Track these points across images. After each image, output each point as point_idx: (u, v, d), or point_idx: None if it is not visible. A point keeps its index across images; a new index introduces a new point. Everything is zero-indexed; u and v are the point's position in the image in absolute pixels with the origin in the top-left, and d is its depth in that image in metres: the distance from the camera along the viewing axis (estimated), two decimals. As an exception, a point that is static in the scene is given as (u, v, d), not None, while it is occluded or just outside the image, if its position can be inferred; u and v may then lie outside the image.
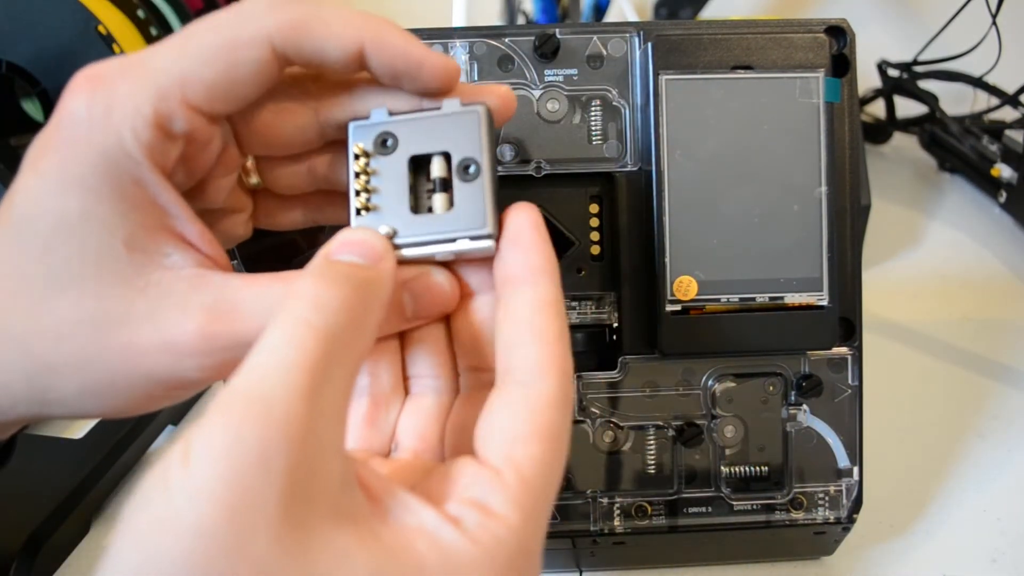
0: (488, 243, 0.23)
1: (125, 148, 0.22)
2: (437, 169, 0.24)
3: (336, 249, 0.22)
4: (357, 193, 0.24)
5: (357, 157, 0.24)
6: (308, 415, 0.18)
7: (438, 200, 0.24)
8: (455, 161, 0.24)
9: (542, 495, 0.21)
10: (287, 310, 0.20)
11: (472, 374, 0.26)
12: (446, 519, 0.20)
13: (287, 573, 0.17)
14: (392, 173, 0.24)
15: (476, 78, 0.32)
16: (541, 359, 0.22)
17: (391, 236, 0.24)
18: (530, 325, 0.22)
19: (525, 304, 0.22)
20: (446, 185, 0.24)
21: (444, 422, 0.26)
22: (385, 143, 0.24)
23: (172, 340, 0.22)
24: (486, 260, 0.24)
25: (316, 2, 0.23)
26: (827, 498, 0.34)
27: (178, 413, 0.46)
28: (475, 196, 0.23)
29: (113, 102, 0.22)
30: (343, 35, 0.23)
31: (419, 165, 0.24)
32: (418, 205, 0.24)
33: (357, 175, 0.24)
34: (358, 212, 0.24)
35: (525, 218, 0.23)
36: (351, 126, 0.25)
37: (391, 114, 0.24)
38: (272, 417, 0.18)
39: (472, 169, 0.24)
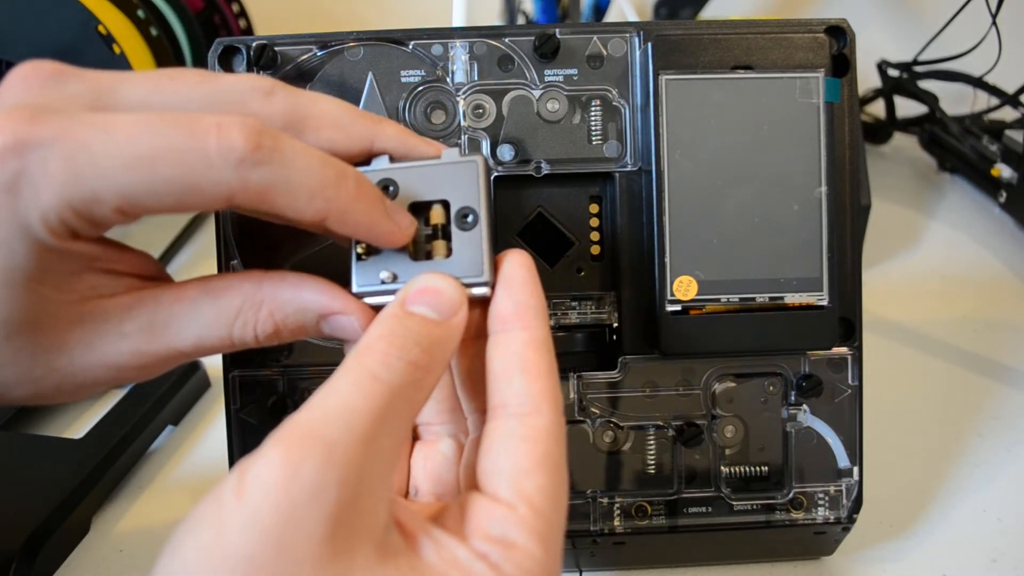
0: (485, 289, 0.24)
1: (43, 227, 0.21)
2: (436, 216, 0.25)
3: (413, 297, 0.23)
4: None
5: None
6: (364, 459, 0.19)
7: (437, 247, 0.25)
8: (453, 209, 0.25)
9: (556, 523, 0.22)
10: (359, 361, 0.21)
11: (479, 415, 0.26)
12: (475, 555, 0.21)
13: None
14: None
15: (476, 78, 0.32)
16: (535, 392, 0.23)
17: (391, 280, 0.25)
18: (523, 360, 0.23)
19: (518, 341, 0.23)
20: (445, 232, 0.25)
21: (459, 465, 0.27)
22: (387, 189, 0.25)
23: (110, 361, 0.24)
24: (483, 304, 0.25)
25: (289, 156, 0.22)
26: (827, 498, 0.34)
27: (178, 414, 0.46)
28: (473, 244, 0.24)
29: (40, 184, 0.20)
30: (306, 210, 0.22)
31: (418, 211, 0.25)
32: (417, 251, 0.25)
33: None
34: (359, 257, 0.25)
35: (518, 263, 0.24)
36: None
37: (392, 161, 0.25)
38: (331, 457, 0.19)
39: (471, 218, 0.25)
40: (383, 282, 0.25)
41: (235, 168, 0.21)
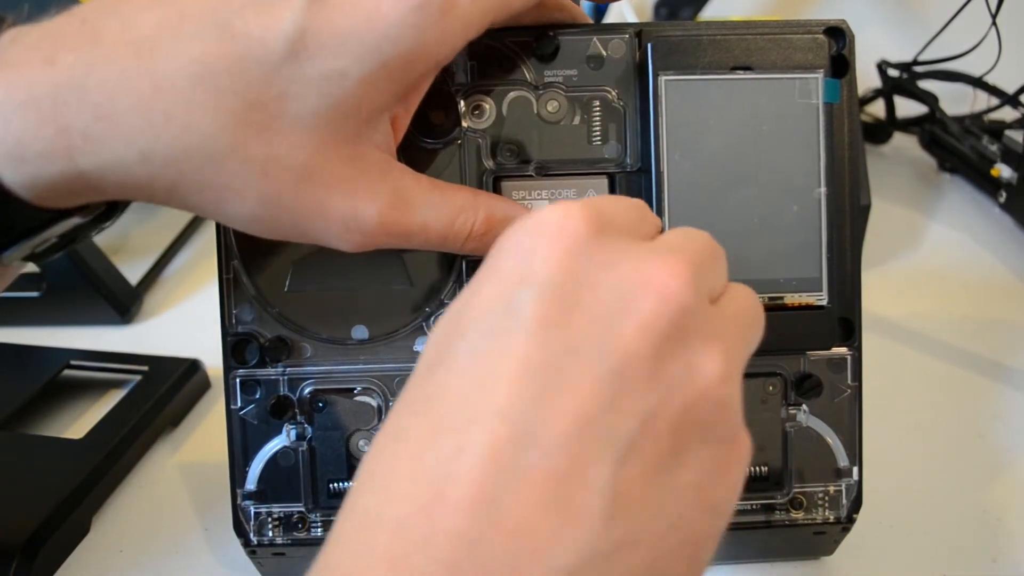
0: None
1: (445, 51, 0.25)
2: None
3: None
4: None
5: None
6: None
7: None
8: None
9: None
10: None
11: None
12: None
13: None
14: None
15: (476, 78, 0.32)
16: None
17: None
18: None
19: None
20: None
21: None
22: None
23: (354, 216, 0.25)
24: None
25: None
26: (827, 498, 0.34)
27: (178, 414, 0.46)
28: None
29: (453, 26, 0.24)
30: None
31: None
32: None
33: None
34: None
35: None
36: None
37: None
38: None
39: None
40: None
41: None
